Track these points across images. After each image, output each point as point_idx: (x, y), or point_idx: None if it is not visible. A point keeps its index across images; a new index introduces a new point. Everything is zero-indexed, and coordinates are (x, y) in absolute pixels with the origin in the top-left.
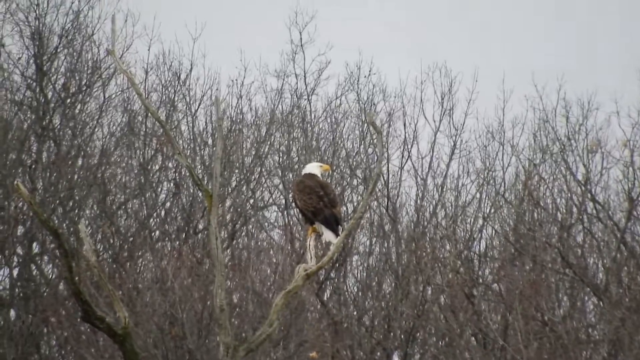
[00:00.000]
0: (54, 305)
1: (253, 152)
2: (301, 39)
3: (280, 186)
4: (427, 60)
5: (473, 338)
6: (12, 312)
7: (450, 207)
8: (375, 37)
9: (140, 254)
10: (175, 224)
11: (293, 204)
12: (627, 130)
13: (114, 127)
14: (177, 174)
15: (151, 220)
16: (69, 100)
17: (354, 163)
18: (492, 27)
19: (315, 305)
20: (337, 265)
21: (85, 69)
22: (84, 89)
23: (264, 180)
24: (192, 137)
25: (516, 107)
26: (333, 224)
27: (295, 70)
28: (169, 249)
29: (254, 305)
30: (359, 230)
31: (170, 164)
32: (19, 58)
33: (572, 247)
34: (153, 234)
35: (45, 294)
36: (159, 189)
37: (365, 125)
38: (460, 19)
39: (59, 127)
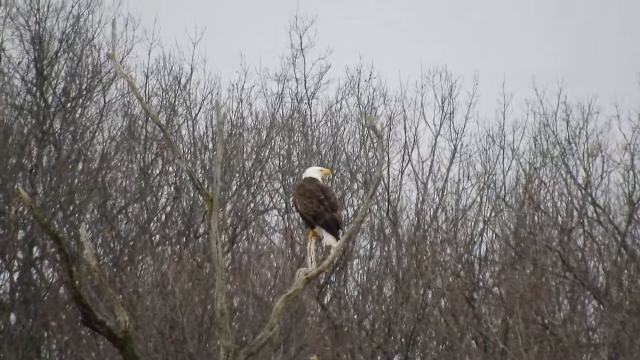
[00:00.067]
0: (54, 309)
1: (253, 156)
2: (301, 43)
3: (281, 190)
4: (427, 62)
5: (473, 342)
6: (13, 316)
7: (450, 211)
8: (375, 38)
9: (140, 258)
10: (176, 228)
11: (293, 208)
12: (628, 134)
13: (115, 132)
14: (177, 178)
15: (152, 224)
16: (69, 105)
17: (355, 167)
18: (492, 28)
19: (316, 309)
20: (338, 269)
21: (86, 73)
22: (84, 93)
23: (264, 184)
24: (192, 142)
25: (517, 110)
26: (333, 227)
27: (295, 74)
28: (170, 253)
29: (255, 309)
30: (359, 234)
31: (170, 168)
32: (19, 62)
33: (573, 251)
34: (153, 238)
35: (45, 298)
36: (160, 193)
37: (366, 129)
38: (460, 20)
39: (59, 131)
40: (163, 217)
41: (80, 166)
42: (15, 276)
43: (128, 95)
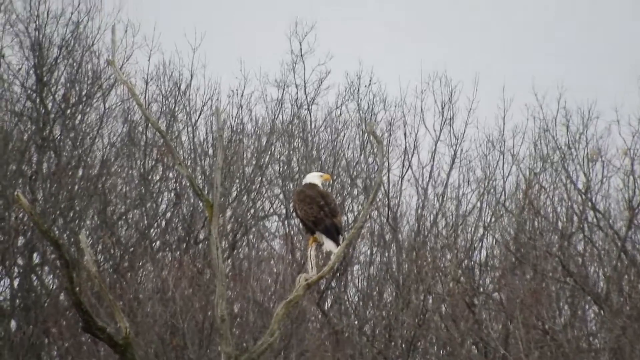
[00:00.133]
0: (54, 315)
1: (253, 162)
2: (301, 49)
3: (281, 196)
4: (427, 67)
5: (474, 347)
6: (13, 323)
7: (450, 217)
8: (375, 42)
9: (141, 264)
10: (176, 234)
11: (294, 214)
12: (628, 139)
13: (115, 138)
14: (177, 184)
15: (152, 230)
16: (69, 111)
17: (355, 172)
18: (492, 31)
19: (316, 315)
20: (338, 274)
21: (86, 79)
22: (84, 99)
23: (264, 190)
24: (192, 147)
25: (516, 116)
26: (334, 233)
27: (295, 80)
28: (170, 259)
29: (255, 315)
30: (359, 239)
31: (170, 174)
32: (19, 69)
33: (573, 256)
34: (154, 244)
35: (46, 304)
36: (160, 199)
37: (366, 134)
38: (460, 22)
39: (59, 137)
40: (163, 223)
41: (80, 172)
42: (16, 282)
43: (128, 102)
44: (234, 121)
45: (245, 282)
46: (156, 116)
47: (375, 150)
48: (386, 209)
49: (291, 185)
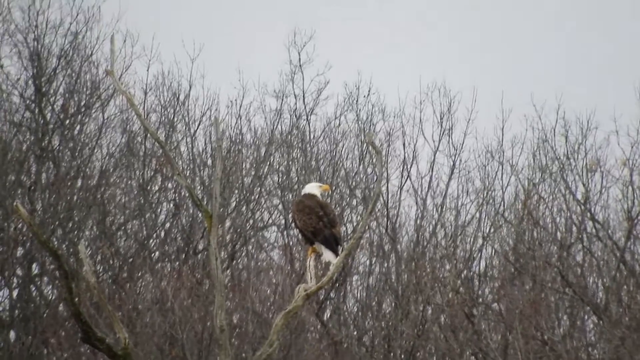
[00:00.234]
0: (53, 326)
1: (252, 173)
2: (300, 59)
3: (280, 206)
4: (426, 78)
5: (473, 357)
6: (12, 333)
7: (449, 227)
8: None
9: (140, 274)
10: (175, 245)
11: (293, 224)
12: (627, 149)
13: (113, 148)
14: (176, 195)
15: (151, 240)
16: (67, 121)
17: (354, 183)
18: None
19: (315, 326)
20: (337, 285)
21: (84, 89)
22: (83, 109)
23: (263, 201)
24: (191, 158)
25: (515, 126)
26: (333, 244)
27: (294, 90)
28: (169, 269)
29: (254, 325)
30: (358, 250)
31: (169, 185)
32: (18, 79)
33: (572, 267)
34: (153, 254)
35: (45, 315)
36: (159, 210)
37: (365, 145)
38: (458, 33)
39: (58, 148)
40: (162, 233)
41: (79, 183)
42: (15, 293)
43: (127, 112)
44: (233, 131)
45: (245, 293)
46: (155, 126)
47: (374, 160)
48: (385, 219)
49: (290, 196)
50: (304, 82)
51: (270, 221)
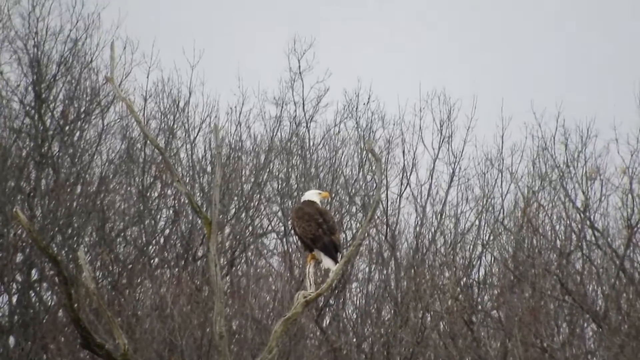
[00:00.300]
0: (53, 332)
1: (252, 180)
2: (299, 66)
3: (279, 213)
4: (425, 85)
5: None
6: (12, 339)
7: (449, 234)
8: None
9: (139, 281)
10: (175, 251)
11: (292, 231)
12: (626, 158)
13: (113, 155)
14: (176, 201)
15: (150, 247)
16: (67, 128)
17: (353, 190)
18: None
19: (315, 332)
20: (337, 292)
21: (84, 96)
22: (83, 116)
23: (263, 208)
24: (191, 165)
25: (515, 134)
26: (332, 251)
27: (294, 97)
28: (168, 276)
29: (253, 332)
30: (358, 257)
31: (169, 191)
32: (18, 85)
33: (571, 274)
34: (152, 261)
35: (44, 321)
36: (158, 216)
37: (364, 152)
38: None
39: (57, 154)
40: (162, 240)
41: (78, 189)
42: (14, 299)
43: (126, 119)
44: (233, 138)
45: (244, 299)
46: (155, 133)
47: (373, 168)
48: (385, 226)
49: (290, 203)
50: (303, 89)
51: (270, 228)
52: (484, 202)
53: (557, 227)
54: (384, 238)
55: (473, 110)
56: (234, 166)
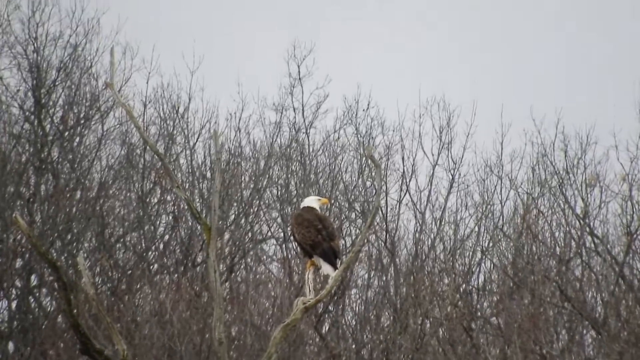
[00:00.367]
0: (52, 337)
1: (251, 185)
2: (299, 72)
3: (279, 219)
4: (425, 92)
5: None
6: (11, 345)
7: (448, 241)
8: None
9: (138, 286)
10: (174, 257)
11: (291, 237)
12: (626, 164)
13: (113, 160)
14: (175, 207)
15: (150, 253)
16: (67, 133)
17: (353, 196)
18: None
19: (314, 339)
20: (336, 298)
21: (84, 101)
22: (82, 121)
23: (262, 214)
24: (190, 170)
25: (515, 140)
26: (331, 257)
27: (293, 103)
28: (168, 281)
29: (253, 338)
30: (357, 263)
31: (168, 197)
32: (17, 91)
33: (571, 281)
34: (151, 266)
35: (43, 326)
36: (158, 222)
37: (364, 158)
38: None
39: (57, 160)
40: (161, 246)
41: (78, 195)
42: (14, 304)
43: (126, 124)
44: (232, 144)
45: (243, 305)
46: (154, 139)
47: (373, 174)
48: (384, 233)
49: (289, 209)
50: (303, 95)
51: (269, 234)
52: (484, 208)
53: (557, 233)
54: (383, 244)
55: (472, 117)
56: (233, 172)
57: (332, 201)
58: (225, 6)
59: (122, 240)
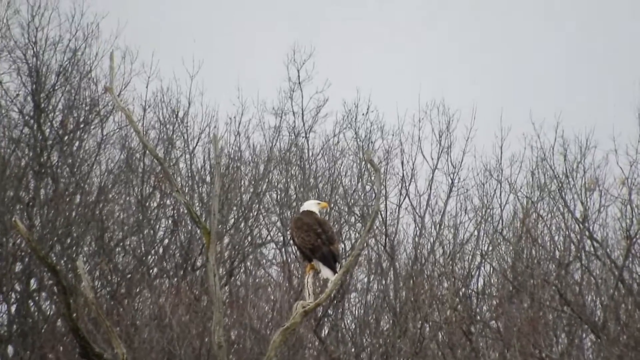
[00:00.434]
0: (52, 341)
1: (251, 190)
2: (299, 76)
3: (278, 223)
4: (424, 96)
5: None
6: (10, 349)
7: (448, 245)
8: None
9: (138, 290)
10: (173, 261)
11: (291, 241)
12: (625, 168)
13: (112, 165)
14: (175, 211)
15: (149, 257)
16: (66, 138)
17: (352, 200)
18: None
19: (313, 342)
20: (335, 302)
21: (83, 106)
22: (82, 126)
23: (262, 218)
24: (190, 175)
25: (514, 144)
26: (331, 261)
27: (293, 108)
28: (167, 285)
29: (252, 342)
30: (356, 267)
31: (168, 201)
32: (17, 95)
33: (570, 285)
34: (151, 270)
35: (43, 330)
36: (157, 226)
37: (363, 162)
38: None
39: (56, 164)
40: (161, 249)
41: (77, 199)
42: (13, 308)
43: (126, 128)
44: (232, 149)
45: (243, 309)
46: (154, 143)
47: (372, 178)
48: (383, 237)
49: (288, 213)
50: (302, 99)
51: (269, 238)
52: (483, 212)
53: (556, 237)
54: (382, 248)
55: (472, 121)
56: (233, 176)
57: (332, 205)
58: (225, 8)
59: (121, 244)
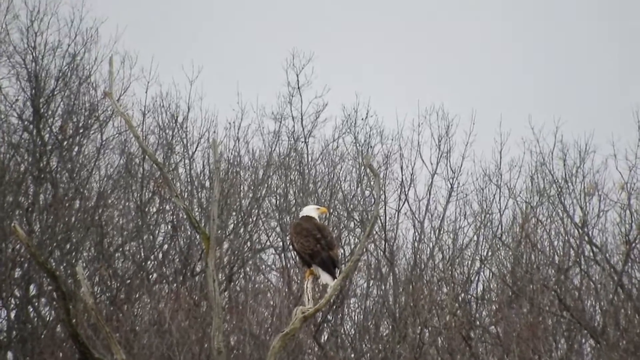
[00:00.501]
0: (51, 347)
1: (250, 195)
2: (298, 81)
3: (278, 229)
4: (424, 101)
5: None
6: (10, 355)
7: (447, 250)
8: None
9: (137, 296)
10: (173, 266)
11: (290, 247)
12: (624, 173)
13: (111, 170)
14: (174, 217)
15: (148, 262)
16: (66, 143)
17: (351, 205)
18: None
19: (313, 348)
20: (335, 307)
21: (83, 111)
22: (81, 131)
23: (261, 223)
24: (189, 180)
25: (513, 149)
26: (330, 266)
27: (292, 112)
28: (167, 291)
29: (251, 347)
30: (356, 272)
31: (167, 207)
32: (16, 100)
33: (570, 290)
34: (150, 276)
35: (42, 336)
36: (157, 232)
37: (362, 167)
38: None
39: (56, 169)
40: (160, 255)
41: (77, 204)
42: (12, 314)
43: (125, 134)
44: (231, 154)
45: (242, 315)
46: (153, 148)
47: (371, 183)
48: (383, 242)
49: (288, 218)
50: (302, 104)
51: (268, 243)
52: (482, 217)
53: (556, 242)
54: (382, 253)
55: (471, 126)
56: (232, 181)
57: (331, 210)
58: (224, 14)
59: (121, 249)
